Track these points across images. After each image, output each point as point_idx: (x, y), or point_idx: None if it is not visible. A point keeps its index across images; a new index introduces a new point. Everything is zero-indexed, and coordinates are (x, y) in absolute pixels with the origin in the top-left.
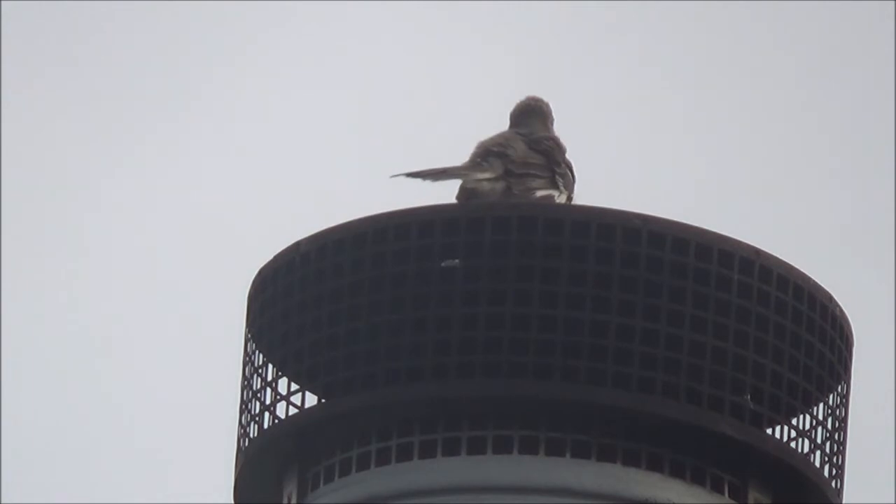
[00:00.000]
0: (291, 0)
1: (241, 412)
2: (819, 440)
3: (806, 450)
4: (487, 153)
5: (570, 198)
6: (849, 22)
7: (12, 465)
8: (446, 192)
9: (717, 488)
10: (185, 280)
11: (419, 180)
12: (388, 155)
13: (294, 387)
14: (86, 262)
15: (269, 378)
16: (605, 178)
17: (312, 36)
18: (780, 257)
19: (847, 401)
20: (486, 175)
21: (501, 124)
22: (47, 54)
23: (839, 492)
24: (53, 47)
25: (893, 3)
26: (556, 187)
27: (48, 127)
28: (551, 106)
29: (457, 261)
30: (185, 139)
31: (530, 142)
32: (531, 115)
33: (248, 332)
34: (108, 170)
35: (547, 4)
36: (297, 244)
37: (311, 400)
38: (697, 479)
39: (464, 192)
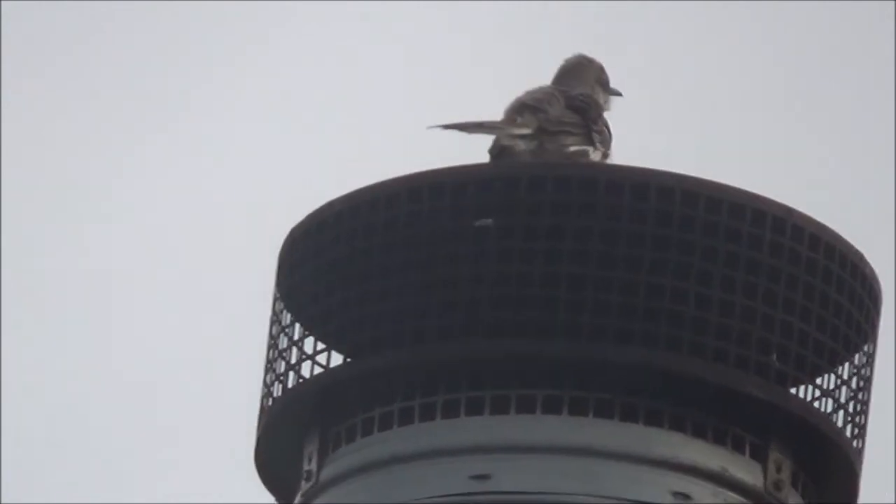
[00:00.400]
0: (292, 0)
1: (266, 372)
2: (843, 400)
3: (829, 409)
4: (523, 108)
5: (605, 154)
6: (849, 22)
7: (12, 465)
8: (477, 150)
9: (738, 448)
10: (213, 245)
11: (455, 132)
12: (388, 154)
13: (320, 346)
14: (111, 223)
15: (296, 337)
16: (637, 139)
17: (312, 35)
18: (814, 217)
19: (873, 361)
20: (522, 131)
21: None
22: (47, 54)
23: (860, 452)
24: (53, 47)
25: (893, 3)
26: (591, 143)
27: (48, 127)
28: (604, 68)
29: (490, 220)
30: (187, 151)
31: (568, 98)
32: (574, 74)
33: (278, 291)
34: (119, 149)
35: (548, 4)
36: (330, 204)
37: (337, 360)
38: (719, 439)
39: (497, 149)
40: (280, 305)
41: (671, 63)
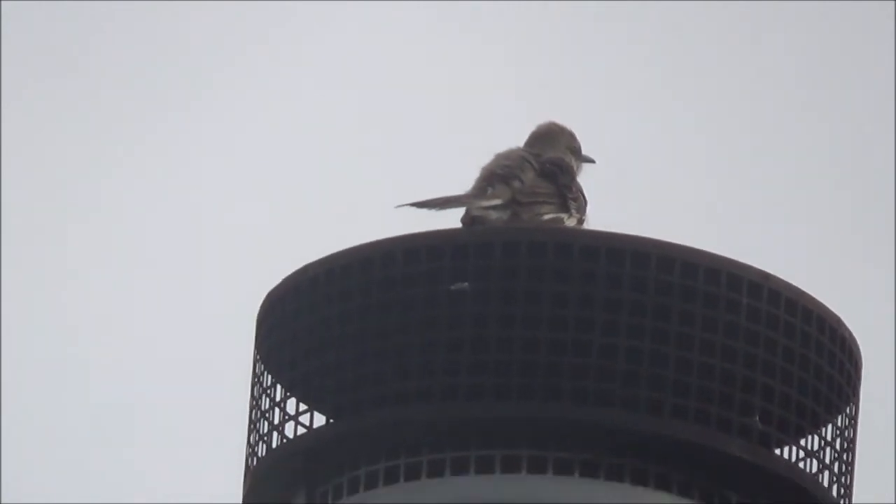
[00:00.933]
0: (293, 0)
1: (250, 432)
2: (827, 460)
3: (814, 470)
4: (494, 177)
5: (581, 221)
6: (849, 22)
7: (13, 465)
8: (452, 220)
9: None
10: (193, 303)
11: (425, 210)
12: (396, 167)
13: (303, 407)
14: (89, 283)
15: (278, 398)
16: (613, 203)
17: (313, 35)
18: (789, 280)
19: (856, 422)
20: (493, 202)
21: (506, 129)
22: (47, 54)
23: None
24: (53, 47)
25: (893, 3)
26: (566, 211)
27: (48, 127)
28: (575, 135)
29: (466, 284)
30: (186, 160)
31: (540, 164)
32: (546, 140)
33: (257, 353)
34: (102, 189)
35: (552, 4)
36: (305, 268)
37: (320, 420)
38: (706, 499)
39: (469, 219)
40: (260, 367)
41: (644, 127)
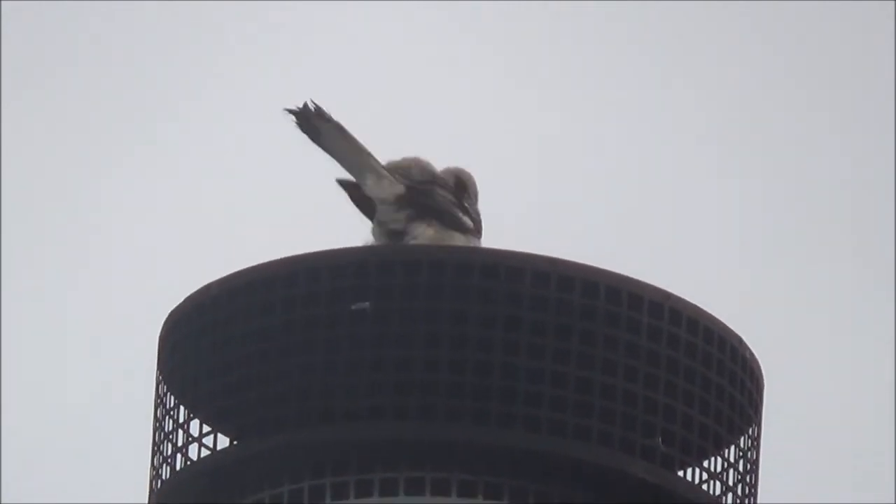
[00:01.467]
0: (293, 0)
1: (154, 454)
2: (731, 482)
3: (717, 492)
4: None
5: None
6: (849, 22)
7: (13, 465)
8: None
9: None
10: (96, 323)
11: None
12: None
13: (206, 428)
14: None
15: (181, 420)
16: (511, 221)
17: (314, 35)
18: (691, 301)
19: (758, 443)
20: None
21: (505, 129)
22: (47, 54)
23: None
24: (53, 47)
25: (893, 2)
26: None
27: (48, 127)
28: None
29: (367, 303)
30: (186, 159)
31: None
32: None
33: (160, 373)
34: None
35: (552, 4)
36: (208, 287)
37: (224, 442)
38: None
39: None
40: (163, 388)
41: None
